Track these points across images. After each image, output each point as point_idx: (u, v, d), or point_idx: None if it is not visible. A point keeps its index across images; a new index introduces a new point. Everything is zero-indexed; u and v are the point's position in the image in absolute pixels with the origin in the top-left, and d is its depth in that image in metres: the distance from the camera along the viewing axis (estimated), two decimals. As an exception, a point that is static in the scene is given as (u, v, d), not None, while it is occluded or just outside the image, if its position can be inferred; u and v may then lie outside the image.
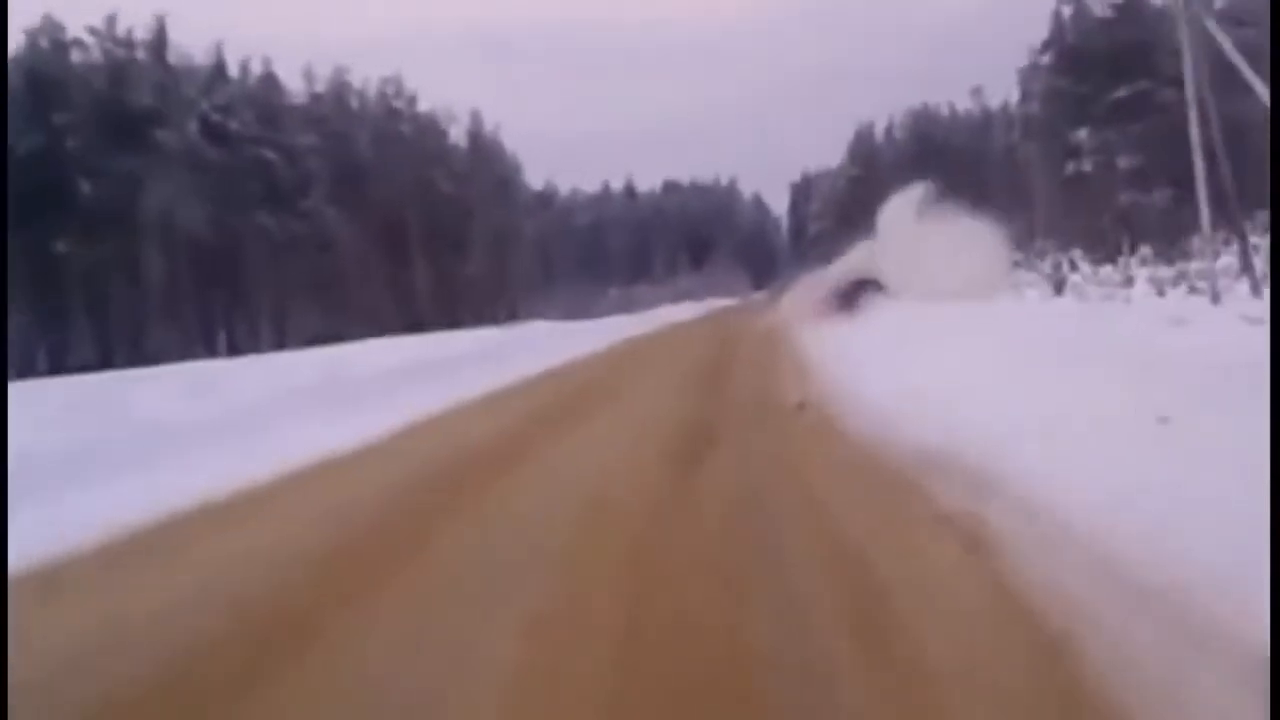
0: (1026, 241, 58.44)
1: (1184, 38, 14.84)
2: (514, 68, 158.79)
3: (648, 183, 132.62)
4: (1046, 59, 59.07)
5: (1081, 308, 20.39)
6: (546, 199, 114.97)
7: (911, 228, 26.52)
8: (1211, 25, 15.02)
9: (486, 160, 77.70)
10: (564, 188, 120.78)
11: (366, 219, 60.19)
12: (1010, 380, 7.52)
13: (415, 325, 59.34)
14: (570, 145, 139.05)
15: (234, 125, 52.84)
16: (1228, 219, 17.19)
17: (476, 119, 78.98)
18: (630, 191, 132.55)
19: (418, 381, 17.04)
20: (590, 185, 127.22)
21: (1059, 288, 27.39)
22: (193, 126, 51.14)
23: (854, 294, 28.40)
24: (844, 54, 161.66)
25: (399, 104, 70.89)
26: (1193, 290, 20.20)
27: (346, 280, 59.05)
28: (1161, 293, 22.38)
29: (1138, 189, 45.67)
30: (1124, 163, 48.41)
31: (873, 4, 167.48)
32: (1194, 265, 25.01)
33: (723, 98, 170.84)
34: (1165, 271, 26.89)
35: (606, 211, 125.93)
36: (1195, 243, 25.97)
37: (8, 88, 40.10)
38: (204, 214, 47.48)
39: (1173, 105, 46.71)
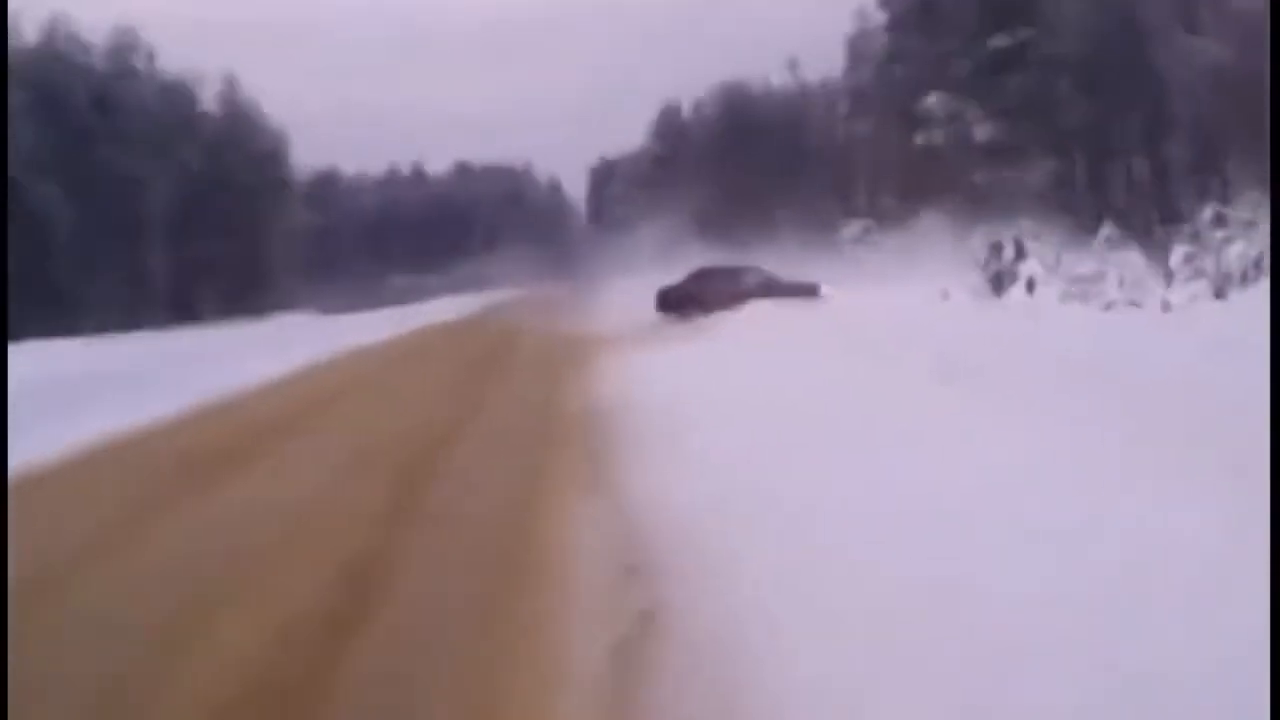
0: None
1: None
2: (299, 42, 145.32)
3: (438, 166, 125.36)
4: (883, 20, 51.16)
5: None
6: (328, 180, 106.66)
7: None
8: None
9: (241, 131, 66.41)
10: (349, 169, 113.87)
11: (87, 193, 48.84)
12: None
13: (132, 321, 50.01)
14: (356, 124, 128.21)
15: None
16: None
17: (231, 84, 68.26)
18: (419, 174, 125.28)
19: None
20: (377, 167, 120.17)
21: (997, 283, 19.11)
22: None
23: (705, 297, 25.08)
24: (645, 32, 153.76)
25: (136, 61, 59.25)
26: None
27: (55, 264, 47.67)
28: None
29: (1005, 162, 38.38)
30: (984, 132, 41.04)
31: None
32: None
33: (517, 79, 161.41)
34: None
35: (394, 195, 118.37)
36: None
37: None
38: None
39: (1061, 60, 39.97)
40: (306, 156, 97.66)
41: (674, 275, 29.83)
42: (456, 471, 8.95)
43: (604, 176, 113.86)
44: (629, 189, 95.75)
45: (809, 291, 25.37)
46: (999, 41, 38.71)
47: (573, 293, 57.14)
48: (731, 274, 27.41)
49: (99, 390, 16.38)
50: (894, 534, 4.85)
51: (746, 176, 67.34)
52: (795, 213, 61.21)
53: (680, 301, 26.44)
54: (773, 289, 25.23)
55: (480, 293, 69.35)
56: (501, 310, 40.66)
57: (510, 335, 25.17)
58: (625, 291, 39.99)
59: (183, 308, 57.11)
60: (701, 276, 27.84)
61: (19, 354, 20.10)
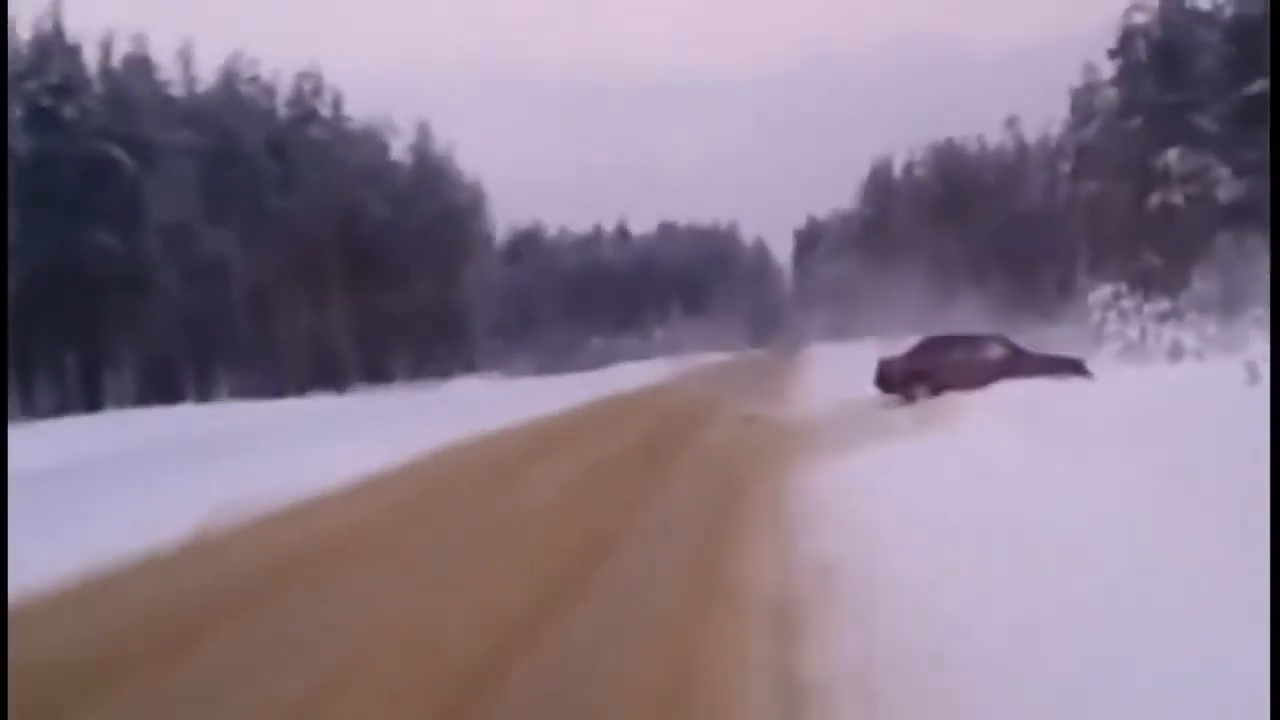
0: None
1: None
2: (511, 100, 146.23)
3: (642, 225, 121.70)
4: (1113, 71, 45.60)
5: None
6: (531, 238, 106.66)
7: None
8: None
9: (434, 182, 64.95)
10: (552, 228, 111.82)
11: (264, 242, 47.37)
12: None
13: (323, 380, 48.62)
14: (561, 183, 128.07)
15: (69, 111, 40.02)
16: None
17: (424, 132, 66.35)
18: (623, 233, 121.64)
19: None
20: (581, 226, 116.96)
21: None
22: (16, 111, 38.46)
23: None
24: (858, 90, 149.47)
25: (319, 105, 58.18)
26: None
27: (228, 321, 46.41)
28: None
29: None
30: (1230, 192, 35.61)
31: (886, 42, 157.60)
32: None
33: (725, 138, 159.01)
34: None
35: (596, 254, 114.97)
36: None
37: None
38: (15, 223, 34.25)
39: None
40: (507, 212, 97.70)
41: (891, 344, 25.62)
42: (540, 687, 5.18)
43: (811, 238, 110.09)
44: (836, 251, 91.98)
45: (1072, 368, 20.23)
46: (1256, 88, 33.32)
47: (775, 360, 53.24)
48: (970, 344, 22.45)
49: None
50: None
51: (960, 240, 62.48)
52: (1012, 277, 56.18)
53: (905, 379, 21.84)
54: (1023, 365, 20.16)
55: (678, 357, 65.80)
56: (694, 382, 36.91)
57: (696, 417, 21.10)
58: (834, 361, 35.92)
59: (372, 368, 55.96)
60: (931, 347, 22.93)
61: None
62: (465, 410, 24.09)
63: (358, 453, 14.07)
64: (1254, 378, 11.38)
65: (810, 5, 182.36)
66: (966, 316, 42.01)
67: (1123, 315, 25.72)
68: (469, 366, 61.85)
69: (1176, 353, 22.34)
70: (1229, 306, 27.46)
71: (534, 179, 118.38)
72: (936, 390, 20.11)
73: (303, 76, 56.97)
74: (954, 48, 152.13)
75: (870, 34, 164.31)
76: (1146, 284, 29.54)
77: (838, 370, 29.96)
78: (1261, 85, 33.94)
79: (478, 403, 28.50)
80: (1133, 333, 24.38)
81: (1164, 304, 25.13)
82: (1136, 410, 11.22)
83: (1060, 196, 54.71)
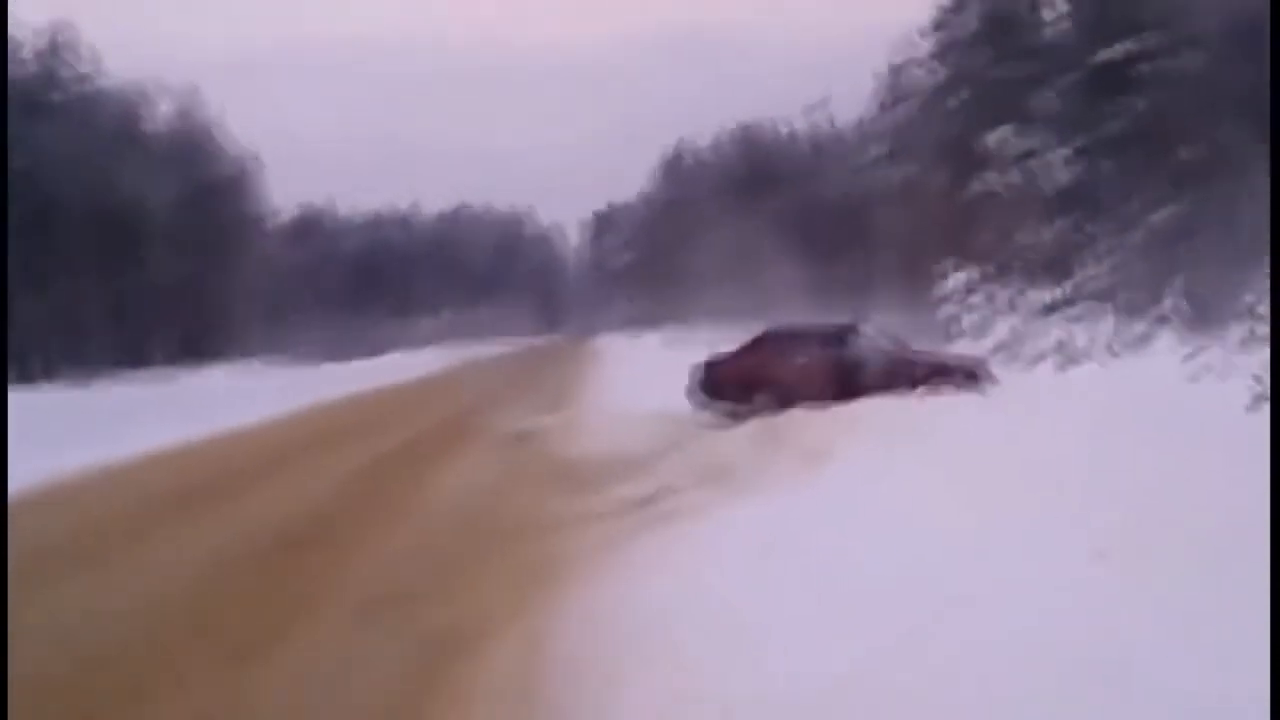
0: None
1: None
2: (306, 76, 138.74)
3: (437, 207, 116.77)
4: (930, 45, 42.06)
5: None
6: (318, 218, 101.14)
7: None
8: None
9: (193, 153, 58.30)
10: (343, 207, 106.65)
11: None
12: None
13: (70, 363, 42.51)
14: (354, 162, 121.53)
15: None
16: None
17: (191, 98, 59.47)
18: (415, 215, 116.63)
19: None
20: (372, 206, 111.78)
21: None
22: None
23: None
24: (659, 73, 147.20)
25: (64, 64, 51.15)
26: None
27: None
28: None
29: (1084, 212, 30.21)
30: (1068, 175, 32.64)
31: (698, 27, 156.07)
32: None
33: (528, 121, 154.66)
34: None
35: (386, 236, 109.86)
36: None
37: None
38: None
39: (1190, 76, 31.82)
40: (294, 191, 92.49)
41: (690, 332, 21.53)
42: None
43: (609, 223, 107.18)
44: (634, 237, 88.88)
45: (973, 374, 15.52)
46: (1104, 56, 30.53)
47: (568, 351, 48.98)
48: (827, 340, 16.65)
49: None
50: None
51: (768, 224, 59.63)
52: (824, 262, 53.81)
53: (737, 386, 16.53)
54: (905, 370, 15.19)
55: (465, 345, 61.49)
56: (473, 375, 32.26)
57: (453, 431, 16.30)
58: (631, 353, 32.07)
59: (127, 349, 49.66)
60: (771, 344, 17.22)
61: None
62: (183, 413, 19.08)
63: None
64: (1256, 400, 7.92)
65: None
66: (776, 301, 38.62)
67: (988, 306, 22.00)
68: (243, 351, 55.99)
69: (1069, 355, 18.47)
70: (1131, 300, 23.89)
71: (323, 157, 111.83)
72: (781, 403, 14.85)
73: (55, 29, 50.16)
74: (766, 31, 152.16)
75: (681, 18, 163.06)
76: (1027, 270, 25.69)
77: (636, 366, 26.01)
78: (1114, 51, 31.20)
79: (209, 402, 23.45)
80: (1005, 327, 20.33)
81: (1049, 293, 21.23)
82: (1091, 439, 7.53)
83: (872, 180, 51.72)
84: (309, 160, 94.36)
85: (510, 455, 13.07)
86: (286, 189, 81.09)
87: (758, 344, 17.33)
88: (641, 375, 22.54)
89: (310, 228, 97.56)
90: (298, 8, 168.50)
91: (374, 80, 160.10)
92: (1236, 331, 14.39)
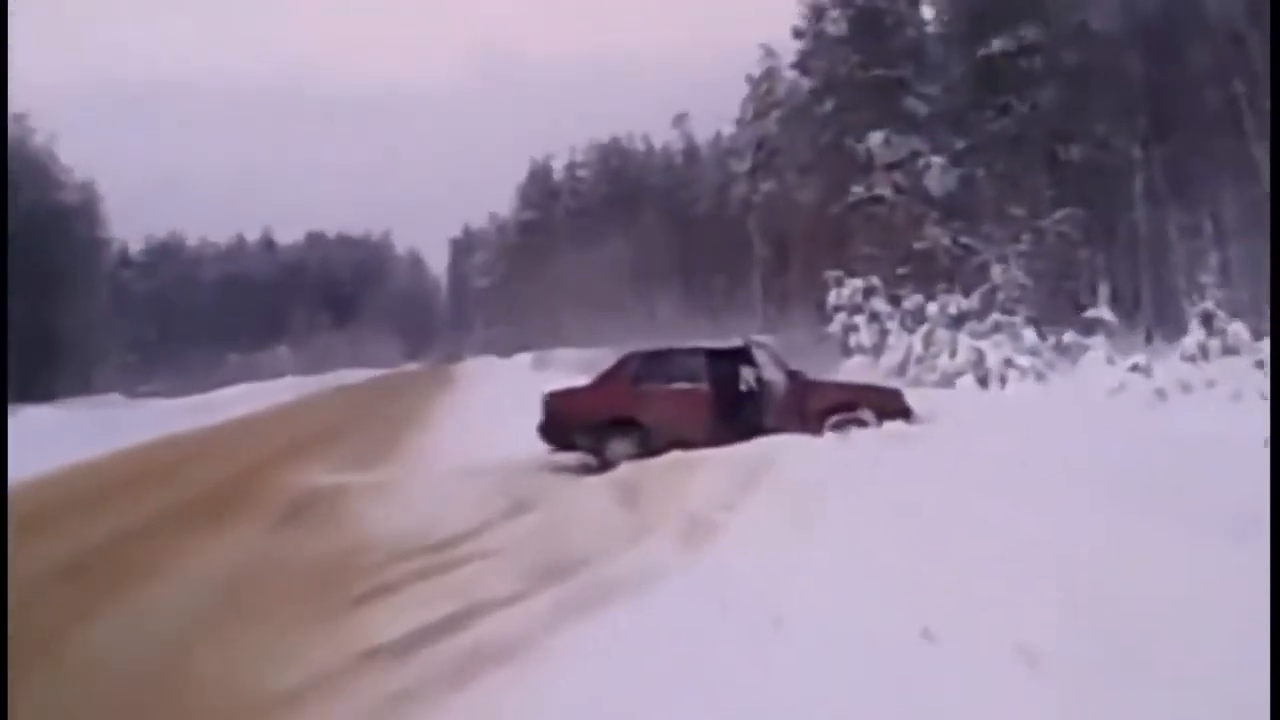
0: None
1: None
2: (135, 104, 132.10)
3: (289, 235, 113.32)
4: (800, 47, 39.78)
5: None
6: (169, 248, 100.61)
7: None
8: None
9: (25, 179, 53.77)
10: (193, 237, 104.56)
11: None
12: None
13: None
14: (204, 192, 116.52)
15: None
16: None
17: (18, 125, 54.92)
18: (268, 243, 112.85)
19: None
20: (224, 236, 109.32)
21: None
22: None
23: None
24: (518, 93, 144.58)
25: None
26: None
27: None
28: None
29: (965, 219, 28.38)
30: (952, 179, 30.91)
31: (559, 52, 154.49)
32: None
33: (383, 147, 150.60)
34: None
35: (240, 265, 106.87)
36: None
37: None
38: None
39: (1073, 71, 30.14)
40: (142, 222, 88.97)
41: (548, 355, 18.66)
42: None
43: (467, 247, 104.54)
44: (493, 260, 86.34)
45: (895, 407, 12.32)
46: (985, 50, 28.74)
47: (419, 380, 45.76)
48: (707, 364, 13.03)
49: None
50: None
51: (632, 242, 57.26)
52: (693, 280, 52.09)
53: (591, 426, 12.64)
54: (805, 397, 12.31)
55: (312, 375, 58.32)
56: (303, 411, 28.85)
57: (237, 492, 12.39)
58: (485, 381, 29.24)
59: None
60: (633, 370, 13.28)
61: None
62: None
63: None
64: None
65: (478, 19, 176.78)
66: (645, 324, 36.03)
67: (889, 319, 19.83)
68: (84, 387, 52.04)
69: (985, 371, 16.26)
70: (1053, 308, 21.61)
71: (173, 187, 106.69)
72: (653, 447, 11.51)
73: None
74: (622, 53, 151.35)
75: (543, 44, 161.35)
76: (929, 279, 23.44)
77: (493, 396, 23.15)
78: (995, 45, 29.47)
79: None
80: (904, 344, 18.03)
81: (959, 303, 18.97)
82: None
83: (735, 194, 49.96)
84: (153, 192, 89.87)
85: (277, 538, 9.36)
86: (129, 221, 76.49)
87: (618, 370, 13.49)
88: (497, 407, 19.70)
89: (163, 259, 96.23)
90: (130, 38, 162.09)
91: (225, 109, 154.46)
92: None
